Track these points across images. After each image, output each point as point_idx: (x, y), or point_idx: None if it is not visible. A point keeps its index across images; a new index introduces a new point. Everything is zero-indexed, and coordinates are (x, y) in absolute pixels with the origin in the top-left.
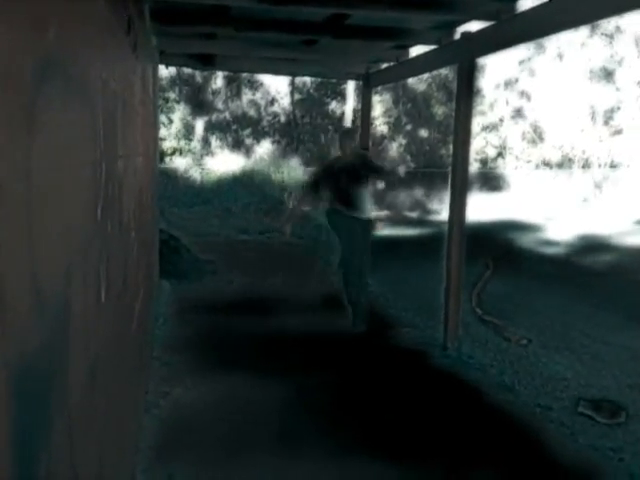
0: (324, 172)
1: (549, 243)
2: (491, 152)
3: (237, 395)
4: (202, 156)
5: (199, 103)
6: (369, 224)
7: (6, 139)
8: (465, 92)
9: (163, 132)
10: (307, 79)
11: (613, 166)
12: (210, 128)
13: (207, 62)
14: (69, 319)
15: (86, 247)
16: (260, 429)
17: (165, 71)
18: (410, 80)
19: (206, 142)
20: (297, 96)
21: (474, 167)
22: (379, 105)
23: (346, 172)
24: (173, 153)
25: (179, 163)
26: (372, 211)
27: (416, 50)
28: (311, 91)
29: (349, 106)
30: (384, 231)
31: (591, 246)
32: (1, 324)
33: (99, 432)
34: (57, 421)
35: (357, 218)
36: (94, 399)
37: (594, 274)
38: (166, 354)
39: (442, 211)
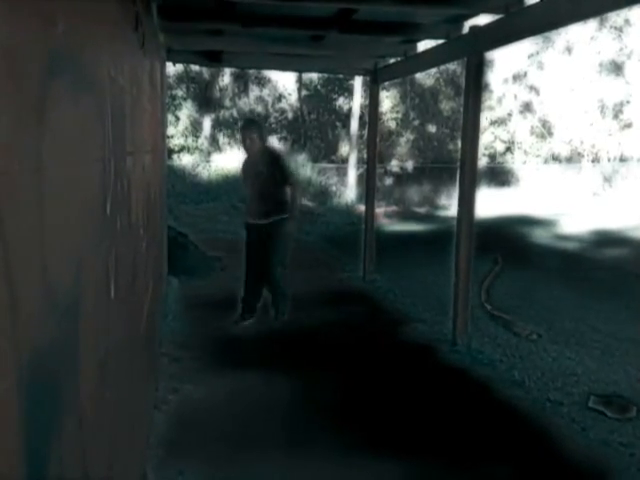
0: (243, 168)
1: (558, 238)
2: (500, 147)
3: (247, 391)
4: (210, 153)
5: (206, 100)
6: (271, 227)
7: (16, 135)
8: (473, 86)
9: (170, 130)
10: (314, 75)
11: (623, 160)
12: (217, 125)
13: (214, 59)
14: (79, 315)
15: (96, 243)
16: (270, 425)
17: (172, 68)
18: (418, 75)
19: (214, 139)
20: (304, 92)
21: (482, 162)
22: (387, 100)
23: (251, 170)
24: (181, 150)
25: (187, 160)
26: (280, 211)
27: (424, 45)
28: (318, 87)
29: (356, 102)
30: (393, 227)
31: (601, 240)
32: (12, 320)
33: (109, 428)
34: (68, 417)
35: (254, 224)
36: (104, 395)
37: (604, 268)
38: (175, 350)
39: (451, 206)
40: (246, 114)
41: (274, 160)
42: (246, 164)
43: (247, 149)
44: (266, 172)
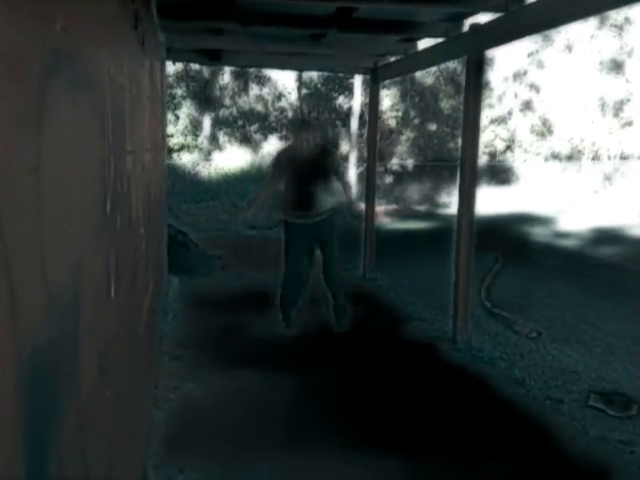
0: (280, 162)
1: (559, 236)
2: (500, 145)
3: (247, 390)
4: (210, 152)
5: (206, 99)
6: (326, 223)
7: (15, 134)
8: (473, 85)
9: (170, 129)
10: (314, 74)
11: (623, 158)
12: (217, 124)
13: (214, 57)
14: (79, 314)
15: (96, 242)
16: (270, 424)
17: (172, 67)
18: (418, 74)
19: (214, 138)
20: (304, 91)
21: (483, 160)
22: (387, 99)
23: (301, 167)
24: (180, 149)
25: (187, 159)
26: (330, 207)
27: (424, 43)
28: (318, 86)
29: (356, 100)
30: (393, 225)
31: (601, 238)
32: (12, 319)
33: (110, 426)
34: (68, 415)
35: (303, 223)
36: (104, 394)
37: (604, 266)
38: (176, 349)
39: (451, 204)
40: (246, 113)
41: (331, 157)
42: (291, 160)
43: (304, 146)
44: (324, 168)
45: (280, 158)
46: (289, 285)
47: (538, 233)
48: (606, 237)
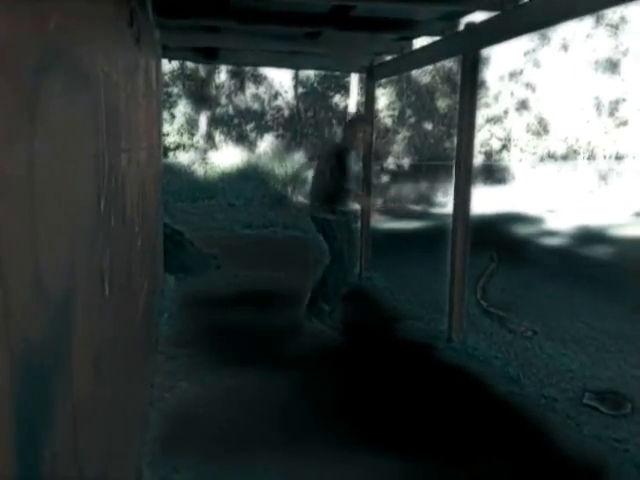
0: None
1: (553, 235)
2: (495, 144)
3: (243, 389)
4: (206, 151)
5: (202, 97)
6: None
7: (8, 131)
8: (469, 84)
9: (166, 127)
10: (310, 73)
11: (618, 157)
12: (213, 122)
13: (210, 55)
14: (73, 312)
15: (90, 240)
16: (266, 423)
17: (168, 66)
18: (414, 72)
19: (210, 137)
20: (300, 90)
21: (479, 160)
22: (383, 98)
23: (355, 163)
24: (176, 148)
25: (182, 158)
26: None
27: (420, 42)
28: (315, 85)
29: (353, 99)
30: (389, 224)
31: (596, 238)
32: (4, 317)
33: (104, 425)
34: (61, 414)
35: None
36: (99, 392)
37: (598, 265)
38: (171, 348)
39: (446, 204)
40: (242, 111)
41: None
42: (351, 156)
43: (362, 142)
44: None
45: (349, 155)
46: (345, 278)
47: (533, 232)
48: (600, 236)
